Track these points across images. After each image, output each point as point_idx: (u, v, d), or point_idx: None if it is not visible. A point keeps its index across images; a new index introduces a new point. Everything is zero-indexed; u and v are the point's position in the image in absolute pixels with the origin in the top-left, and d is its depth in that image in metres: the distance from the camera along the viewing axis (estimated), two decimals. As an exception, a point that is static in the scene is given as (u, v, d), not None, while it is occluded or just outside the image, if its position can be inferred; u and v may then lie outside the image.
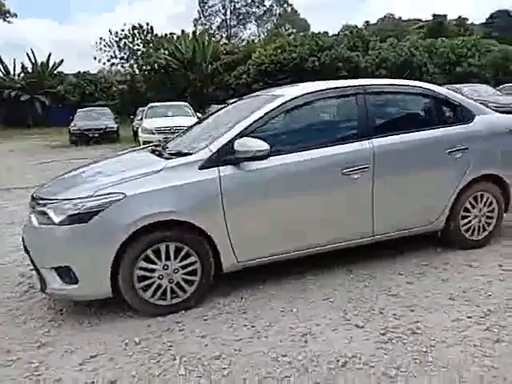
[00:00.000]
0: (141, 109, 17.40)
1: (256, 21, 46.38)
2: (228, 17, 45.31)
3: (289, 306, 2.98)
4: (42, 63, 29.79)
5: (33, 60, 29.72)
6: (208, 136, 3.29)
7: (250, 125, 3.06)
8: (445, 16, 30.33)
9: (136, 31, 32.54)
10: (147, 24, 32.73)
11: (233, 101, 4.21)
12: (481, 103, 4.03)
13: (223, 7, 45.39)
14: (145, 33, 32.65)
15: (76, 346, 2.62)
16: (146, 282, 2.85)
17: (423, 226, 3.61)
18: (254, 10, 46.36)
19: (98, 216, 2.70)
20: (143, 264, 2.81)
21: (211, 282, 3.05)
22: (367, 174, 3.25)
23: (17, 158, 13.07)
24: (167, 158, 3.09)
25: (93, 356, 2.51)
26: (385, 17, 48.08)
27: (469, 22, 35.93)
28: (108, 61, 34.85)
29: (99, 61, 34.89)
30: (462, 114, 3.71)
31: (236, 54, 28.52)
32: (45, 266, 2.84)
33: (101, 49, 34.73)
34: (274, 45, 26.06)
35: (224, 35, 42.64)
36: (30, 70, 29.83)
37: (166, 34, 31.66)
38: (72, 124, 16.24)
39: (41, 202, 2.95)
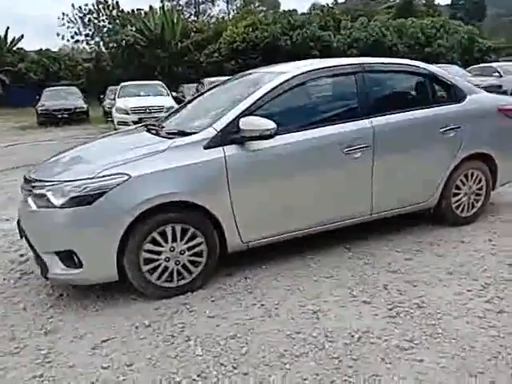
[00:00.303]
0: (110, 88, 16.89)
1: (225, -3, 45.30)
2: (196, -7, 43.99)
3: (294, 285, 3.01)
4: (-1, 38, 28.23)
5: (-12, 35, 28.09)
6: (208, 114, 3.22)
7: (254, 103, 3.01)
8: (414, -4, 30.70)
9: (101, 6, 31.19)
10: (112, -1, 31.46)
11: (228, 78, 4.11)
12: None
13: (191, -17, 44.04)
14: (110, 8, 31.36)
15: (84, 331, 2.56)
16: (153, 265, 2.80)
17: (419, 203, 3.70)
18: (222, -14, 45.34)
19: (103, 198, 2.61)
20: (149, 246, 2.76)
21: (216, 262, 3.03)
22: (368, 153, 3.28)
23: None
24: (169, 138, 3.01)
25: (104, 340, 2.46)
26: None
27: (435, 3, 36.42)
28: (72, 38, 33.42)
29: (62, 37, 33.37)
30: (455, 94, 3.78)
31: (206, 32, 27.93)
32: (46, 251, 2.74)
33: (64, 24, 33.18)
34: (245, 22, 25.65)
35: (192, 12, 41.52)
36: (-15, 45, 28.20)
37: (132, 10, 30.57)
38: (39, 104, 15.52)
39: (38, 184, 2.83)
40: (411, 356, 2.23)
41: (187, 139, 2.89)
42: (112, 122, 13.86)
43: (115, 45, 27.00)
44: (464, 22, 29.39)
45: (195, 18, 36.16)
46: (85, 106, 15.84)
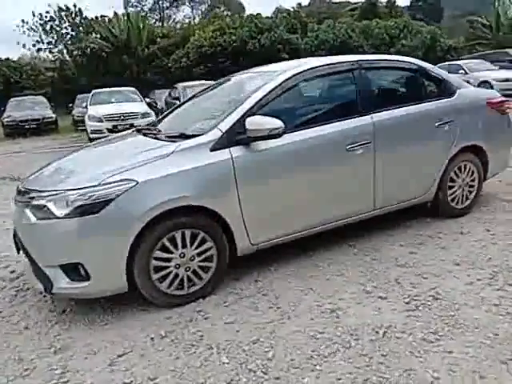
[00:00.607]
0: (79, 96, 16.45)
1: (190, 2, 45.10)
2: (160, -2, 43.55)
3: (306, 285, 2.97)
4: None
5: None
6: (209, 116, 3.15)
7: (257, 102, 2.96)
8: (376, -2, 31.46)
9: (63, 13, 30.35)
10: (74, 6, 30.67)
11: (223, 80, 4.04)
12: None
13: (155, -12, 43.55)
14: (73, 15, 30.56)
15: (97, 347, 2.44)
16: (163, 273, 2.70)
17: (418, 197, 3.74)
18: (187, -9, 44.98)
19: (110, 206, 2.49)
20: (159, 254, 2.66)
21: (226, 267, 2.96)
22: (369, 149, 3.28)
23: None
24: (171, 141, 2.92)
25: (120, 355, 2.35)
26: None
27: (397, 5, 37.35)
28: (33, 46, 32.33)
29: (24, 46, 32.23)
30: (446, 88, 3.85)
31: (173, 38, 27.63)
32: (50, 265, 2.59)
33: (24, 32, 32.09)
34: (212, 27, 25.54)
35: (157, 18, 41.07)
36: None
37: (96, 17, 29.87)
38: (5, 115, 14.88)
39: (36, 194, 2.67)
40: (439, 348, 2.22)
41: (192, 142, 2.81)
42: (83, 131, 13.51)
43: (80, 52, 26.28)
44: (424, 22, 30.32)
45: (160, 24, 35.73)
46: (53, 115, 15.33)
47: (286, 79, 3.10)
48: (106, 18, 29.08)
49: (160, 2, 43.03)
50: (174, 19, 42.04)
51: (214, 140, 2.81)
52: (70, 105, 16.45)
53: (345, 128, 3.19)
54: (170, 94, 14.19)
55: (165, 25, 34.62)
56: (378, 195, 3.46)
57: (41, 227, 2.59)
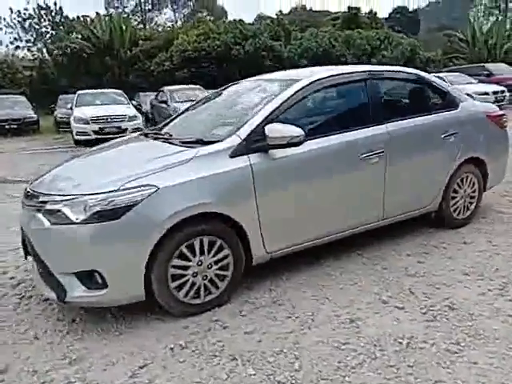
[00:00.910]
0: (61, 97, 16.08)
1: (172, 6, 44.86)
2: (142, 0, 43.16)
3: (321, 294, 2.96)
4: None
5: None
6: (224, 122, 3.12)
7: (274, 110, 2.95)
8: (358, 9, 31.91)
9: (43, 12, 29.69)
10: (55, 4, 30.07)
11: (233, 84, 3.98)
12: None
13: (137, -10, 43.13)
14: (53, 14, 29.93)
15: (115, 358, 2.36)
16: (181, 281, 2.64)
17: (424, 207, 3.79)
18: (169, -6, 44.73)
19: (131, 212, 2.43)
20: (177, 262, 2.60)
21: (242, 275, 2.92)
22: (382, 158, 3.31)
23: None
24: (187, 147, 2.86)
25: (141, 366, 2.27)
26: (296, 7, 49.15)
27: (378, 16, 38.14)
28: (11, 43, 31.48)
29: (0, 43, 31.36)
30: (451, 101, 3.93)
31: (156, 40, 27.40)
32: (64, 272, 2.50)
33: (1, 29, 31.22)
34: (196, 31, 25.47)
35: (139, 20, 40.63)
36: None
37: (78, 17, 29.34)
38: (-17, 115, 14.42)
39: (49, 198, 2.58)
40: (464, 359, 2.24)
41: (211, 148, 2.77)
42: (66, 132, 13.21)
43: (60, 52, 25.70)
44: (404, 34, 31.03)
45: (142, 26, 35.38)
46: (34, 115, 14.91)
47: (303, 87, 3.10)
48: (88, 19, 28.61)
49: (142, 4, 42.70)
50: (156, 22, 41.72)
51: (234, 146, 2.77)
52: (52, 105, 16.03)
53: (361, 136, 3.21)
54: (156, 97, 14.03)
55: (147, 27, 34.24)
56: (387, 204, 3.49)
57: (55, 232, 2.49)
